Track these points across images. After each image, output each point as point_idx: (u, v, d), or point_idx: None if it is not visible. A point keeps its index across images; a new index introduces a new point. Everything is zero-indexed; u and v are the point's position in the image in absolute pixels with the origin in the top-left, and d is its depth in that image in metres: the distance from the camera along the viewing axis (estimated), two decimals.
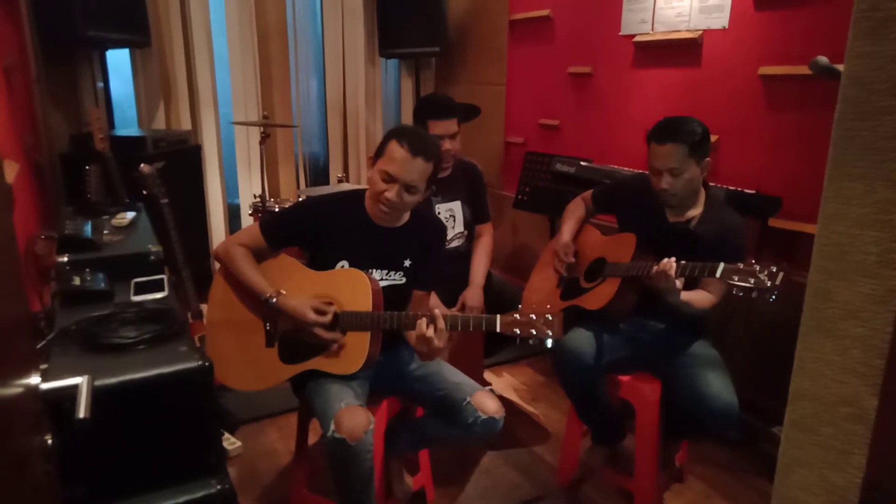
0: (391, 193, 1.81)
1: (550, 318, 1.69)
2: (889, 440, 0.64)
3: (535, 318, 1.70)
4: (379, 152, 1.86)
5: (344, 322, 1.83)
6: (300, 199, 3.02)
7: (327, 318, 1.81)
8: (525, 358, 3.35)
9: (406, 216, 1.95)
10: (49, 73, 3.01)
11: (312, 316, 1.80)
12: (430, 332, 1.71)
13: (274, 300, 1.83)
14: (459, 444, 2.49)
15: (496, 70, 3.98)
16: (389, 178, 1.80)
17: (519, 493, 2.30)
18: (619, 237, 2.19)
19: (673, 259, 1.87)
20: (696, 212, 2.07)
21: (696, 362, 2.00)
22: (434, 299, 2.22)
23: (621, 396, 2.13)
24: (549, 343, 1.71)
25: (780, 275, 1.72)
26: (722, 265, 1.80)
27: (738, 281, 1.76)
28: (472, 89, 4.15)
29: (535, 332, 1.70)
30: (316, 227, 1.92)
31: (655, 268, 1.89)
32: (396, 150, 1.80)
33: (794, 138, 2.41)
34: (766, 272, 1.73)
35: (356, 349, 1.81)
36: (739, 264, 1.78)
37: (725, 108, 2.64)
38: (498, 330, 1.72)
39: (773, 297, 1.72)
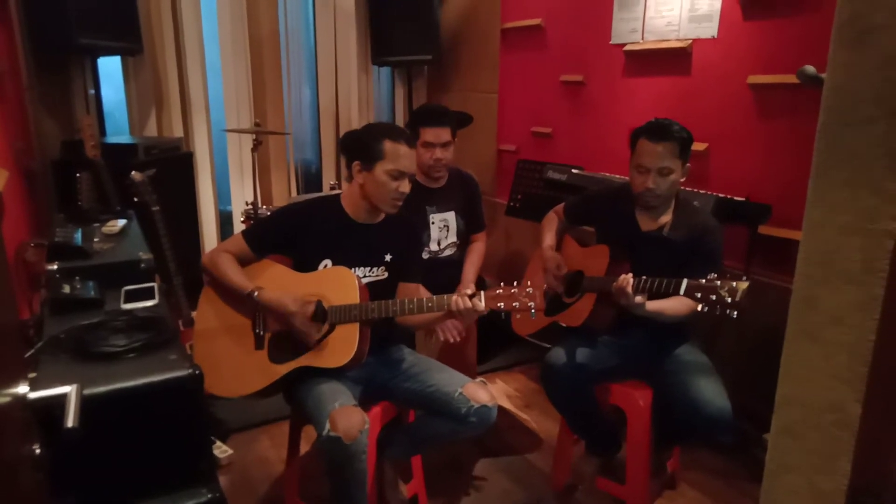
0: (405, 187, 1.92)
1: (531, 290, 1.75)
2: (873, 445, 0.64)
3: (515, 290, 1.76)
4: (372, 155, 1.89)
5: (333, 316, 1.86)
6: (280, 206, 3.04)
7: (309, 309, 1.84)
8: (518, 365, 3.35)
9: (382, 214, 2.00)
10: (41, 80, 3.00)
11: (293, 306, 1.83)
12: (466, 303, 1.76)
13: (255, 294, 1.86)
14: (455, 442, 2.47)
15: (489, 78, 4.00)
16: (400, 175, 1.89)
17: (511, 499, 2.29)
18: (595, 249, 2.19)
19: (630, 276, 1.87)
20: (667, 218, 2.08)
21: (686, 368, 2.00)
22: (424, 292, 2.23)
23: (613, 403, 2.14)
24: (533, 315, 1.78)
25: (740, 290, 1.68)
26: (685, 282, 1.79)
27: (700, 298, 1.74)
28: (465, 97, 4.17)
29: (517, 306, 1.76)
30: (297, 231, 1.97)
31: (614, 285, 1.88)
32: (396, 147, 1.89)
33: (784, 146, 2.43)
34: (726, 288, 1.70)
35: (346, 342, 1.83)
36: (702, 280, 1.75)
37: (715, 117, 2.66)
38: (482, 305, 1.76)
39: (736, 313, 1.69)
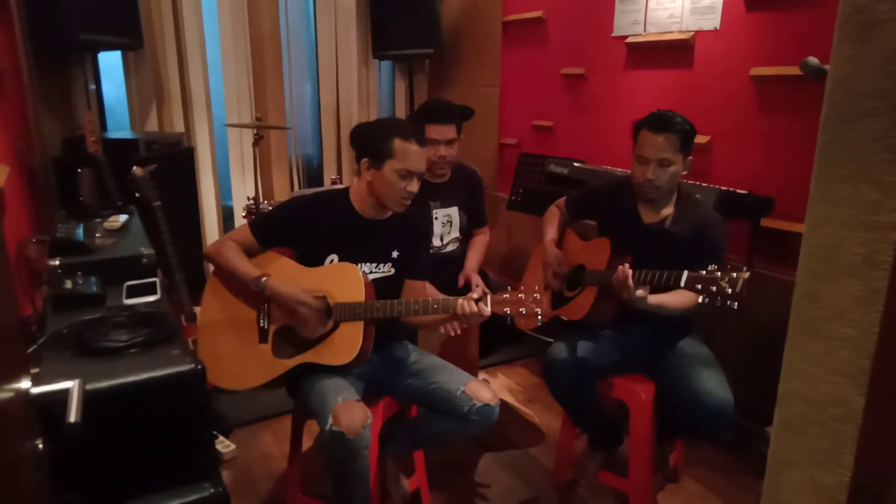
0: (414, 186, 1.90)
1: (538, 296, 1.74)
2: (876, 440, 0.64)
3: (523, 296, 1.75)
4: (381, 153, 1.87)
5: (338, 313, 1.85)
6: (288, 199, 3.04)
7: (319, 302, 1.84)
8: (520, 359, 3.35)
9: (391, 210, 1.99)
10: (41, 77, 2.99)
11: (303, 295, 1.83)
12: (472, 307, 1.76)
13: (263, 280, 1.85)
14: (457, 439, 2.48)
15: (490, 71, 3.99)
16: (409, 174, 1.87)
17: (514, 495, 2.30)
18: (596, 243, 2.19)
19: (628, 267, 1.87)
20: (669, 210, 2.07)
21: (689, 361, 2.00)
22: (431, 289, 2.23)
23: (615, 397, 2.14)
24: (540, 321, 1.77)
25: (741, 281, 1.68)
26: (686, 274, 1.79)
27: (700, 290, 1.74)
28: (467, 91, 4.16)
29: (523, 311, 1.75)
30: (304, 225, 1.95)
31: (614, 277, 1.88)
32: (406, 146, 1.86)
33: (786, 139, 2.42)
34: (726, 279, 1.70)
35: (350, 339, 1.83)
36: (702, 272, 1.75)
37: (717, 109, 2.65)
38: (488, 310, 1.76)
39: (736, 304, 1.68)
